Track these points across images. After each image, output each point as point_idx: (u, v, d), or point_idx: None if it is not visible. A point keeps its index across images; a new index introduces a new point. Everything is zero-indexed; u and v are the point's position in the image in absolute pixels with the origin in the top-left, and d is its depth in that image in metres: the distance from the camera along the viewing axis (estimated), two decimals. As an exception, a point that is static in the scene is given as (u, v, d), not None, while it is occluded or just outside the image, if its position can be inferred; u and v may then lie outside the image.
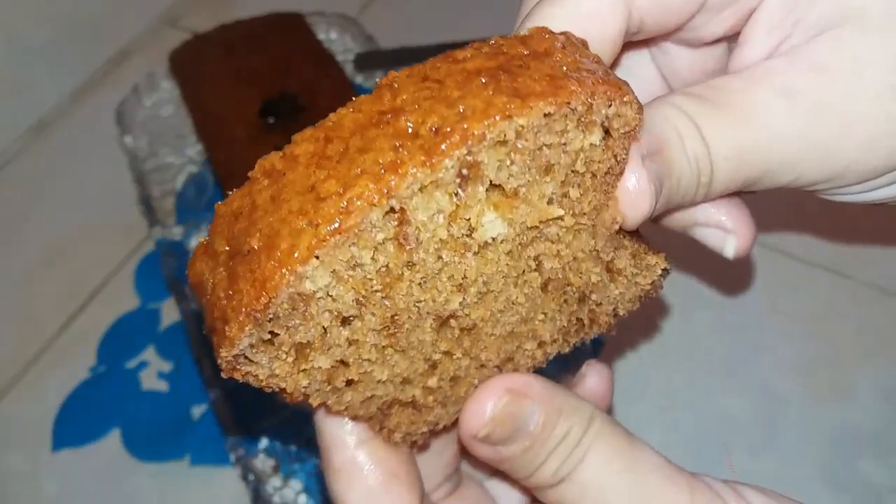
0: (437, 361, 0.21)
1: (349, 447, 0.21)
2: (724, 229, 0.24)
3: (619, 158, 0.20)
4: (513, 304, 0.21)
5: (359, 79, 0.59)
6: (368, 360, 0.20)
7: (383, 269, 0.19)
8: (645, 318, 0.46)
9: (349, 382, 0.20)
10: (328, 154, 0.19)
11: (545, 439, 0.20)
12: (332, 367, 0.20)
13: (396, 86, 0.19)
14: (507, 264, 0.20)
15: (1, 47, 0.58)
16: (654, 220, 0.23)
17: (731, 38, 0.25)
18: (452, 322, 0.21)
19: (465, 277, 0.20)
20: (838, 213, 0.50)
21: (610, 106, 0.19)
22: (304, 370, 0.19)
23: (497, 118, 0.17)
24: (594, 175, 0.20)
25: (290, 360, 0.19)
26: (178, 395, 0.46)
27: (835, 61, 0.20)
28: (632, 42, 0.24)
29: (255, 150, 0.46)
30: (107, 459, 0.44)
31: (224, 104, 0.50)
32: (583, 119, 0.19)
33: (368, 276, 0.19)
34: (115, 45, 0.66)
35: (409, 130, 0.18)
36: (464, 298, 0.20)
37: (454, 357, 0.21)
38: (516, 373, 0.22)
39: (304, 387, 0.20)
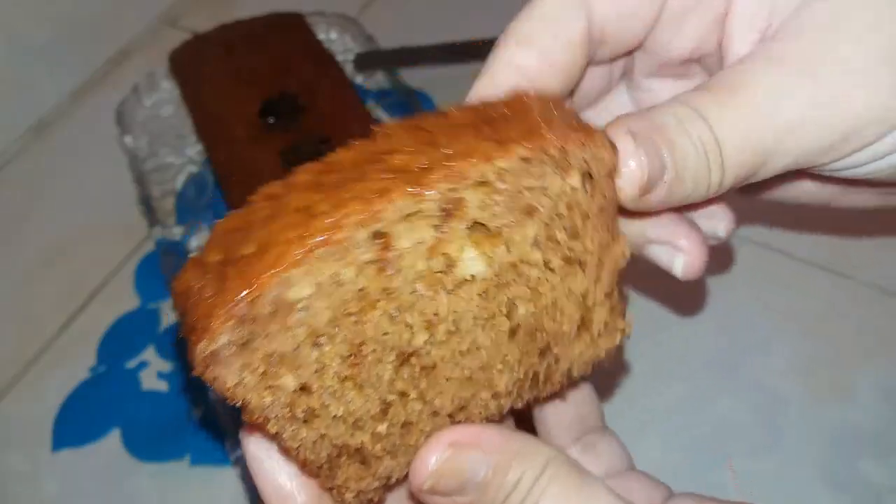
0: (391, 403, 0.21)
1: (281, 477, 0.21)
2: (675, 247, 0.23)
3: (608, 197, 0.21)
4: (477, 348, 0.22)
5: (359, 79, 0.59)
6: (329, 388, 0.20)
7: (361, 293, 0.19)
8: (644, 318, 0.46)
9: (308, 414, 0.20)
10: (324, 182, 0.20)
11: (497, 487, 0.20)
12: (295, 390, 0.20)
13: (390, 133, 0.21)
14: (479, 305, 0.21)
15: (0, 47, 0.58)
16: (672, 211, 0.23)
17: (704, 62, 0.25)
18: (413, 360, 0.21)
19: (435, 314, 0.20)
20: (838, 212, 0.50)
21: (584, 149, 0.20)
22: (270, 387, 0.20)
23: (478, 160, 0.19)
24: (585, 216, 0.21)
25: (259, 371, 0.19)
26: (178, 395, 0.46)
27: (815, 31, 0.20)
28: (609, 79, 0.25)
29: (255, 150, 0.47)
30: (107, 459, 0.44)
31: (224, 104, 0.50)
32: (559, 164, 0.20)
33: (346, 298, 0.19)
34: (115, 45, 0.66)
35: (400, 166, 0.19)
36: (430, 336, 0.21)
37: (408, 398, 0.21)
38: (468, 423, 0.22)
39: (267, 406, 0.20)
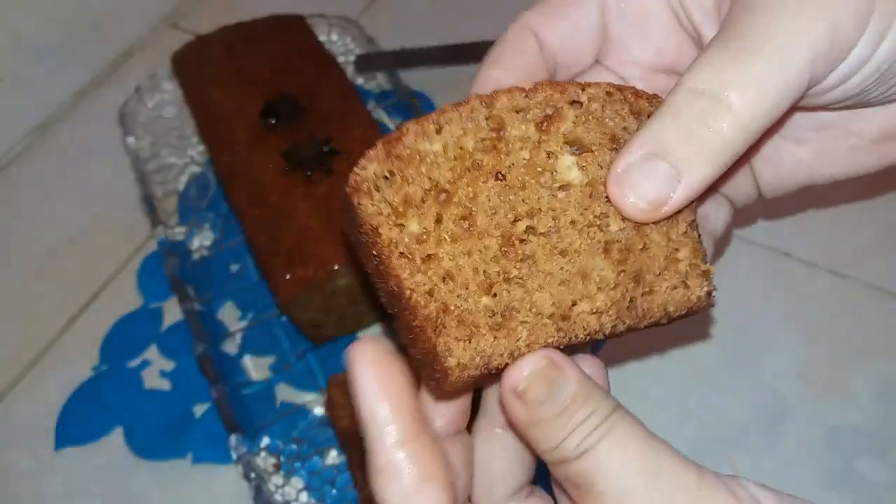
0: (494, 281, 0.23)
1: (389, 448, 0.22)
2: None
3: None
4: (574, 251, 0.23)
5: (359, 80, 0.59)
6: (444, 244, 0.23)
7: (476, 163, 0.23)
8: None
9: (424, 260, 0.23)
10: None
11: (575, 410, 0.22)
12: (417, 235, 0.23)
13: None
14: (576, 211, 0.23)
15: (4, 48, 0.58)
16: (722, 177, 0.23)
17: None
18: (516, 244, 0.23)
19: (538, 207, 0.23)
20: (838, 212, 0.51)
21: (651, 102, 0.24)
22: (399, 224, 0.22)
23: (573, 85, 0.23)
24: None
25: (394, 204, 0.22)
26: (179, 394, 0.46)
27: None
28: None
29: (256, 151, 0.47)
30: (109, 458, 0.44)
31: (226, 105, 0.50)
32: (633, 107, 0.24)
33: (465, 165, 0.23)
34: (118, 47, 0.66)
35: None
36: (532, 225, 0.23)
37: (511, 281, 0.23)
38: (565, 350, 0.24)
39: (394, 239, 0.22)
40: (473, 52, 0.59)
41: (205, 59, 0.54)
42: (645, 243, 0.24)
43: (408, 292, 0.22)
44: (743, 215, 0.50)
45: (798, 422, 0.42)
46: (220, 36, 0.55)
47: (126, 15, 0.66)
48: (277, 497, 0.39)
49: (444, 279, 0.22)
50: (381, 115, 0.58)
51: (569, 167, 0.23)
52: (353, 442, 0.38)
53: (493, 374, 0.23)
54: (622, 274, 0.23)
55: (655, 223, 0.23)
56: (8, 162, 0.60)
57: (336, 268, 0.41)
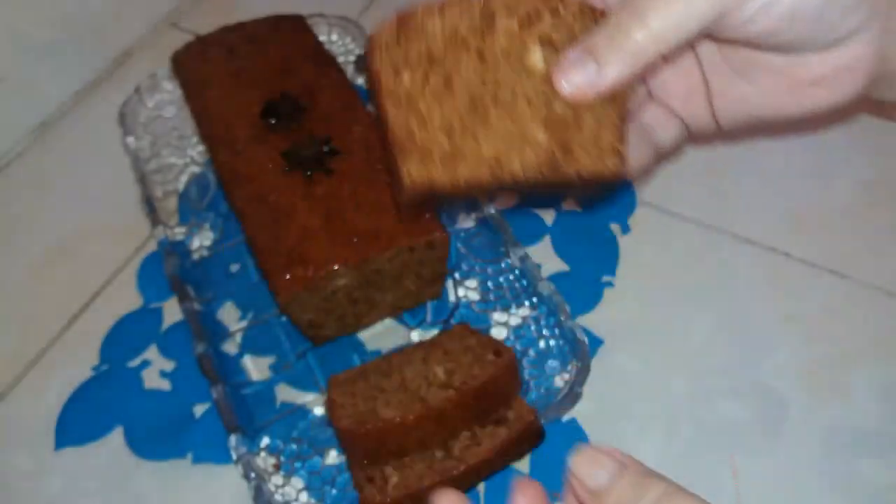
0: (453, 129, 0.29)
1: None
2: None
3: None
4: (521, 117, 0.29)
5: (360, 80, 0.59)
6: (428, 97, 0.29)
7: (464, 43, 0.29)
8: (644, 320, 0.47)
9: (410, 103, 0.29)
10: None
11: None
12: (408, 86, 0.29)
13: None
14: (531, 89, 0.29)
15: (4, 48, 0.58)
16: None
17: None
18: (479, 105, 0.29)
19: (503, 82, 0.29)
20: (838, 212, 0.51)
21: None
22: (399, 77, 0.29)
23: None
24: None
25: (396, 61, 0.29)
26: (179, 394, 0.46)
27: None
28: None
29: (256, 151, 0.47)
30: (109, 458, 0.44)
31: (226, 105, 0.50)
32: (596, 22, 0.29)
33: (455, 42, 0.29)
34: (118, 47, 0.66)
35: None
36: (495, 94, 0.29)
37: (466, 129, 0.29)
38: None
39: (389, 85, 0.29)
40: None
41: (205, 59, 0.54)
42: (578, 123, 0.29)
43: (390, 123, 0.29)
44: (743, 215, 0.51)
45: (798, 422, 0.42)
46: (221, 36, 0.55)
47: (126, 15, 0.66)
48: (277, 497, 0.39)
49: (417, 118, 0.29)
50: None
51: (536, 58, 0.29)
52: (353, 442, 0.38)
53: (437, 195, 0.30)
54: (553, 140, 0.29)
55: (590, 108, 0.29)
56: (8, 162, 0.60)
57: (336, 268, 0.41)
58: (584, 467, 0.26)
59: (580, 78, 0.28)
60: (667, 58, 0.29)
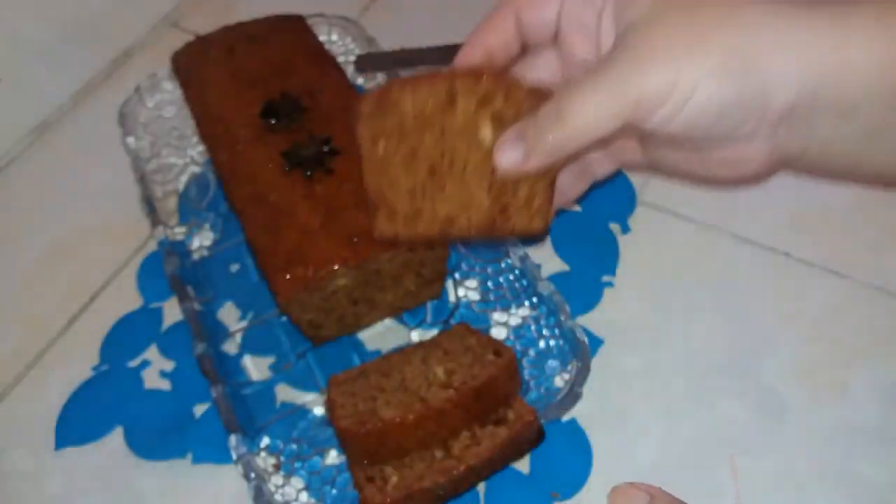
0: (416, 192, 0.34)
1: None
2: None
3: None
4: (470, 184, 0.34)
5: (360, 80, 0.59)
6: (395, 164, 0.34)
7: (428, 119, 0.32)
8: (644, 320, 0.47)
9: (385, 167, 0.34)
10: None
11: None
12: (382, 154, 0.34)
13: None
14: (479, 160, 0.33)
15: (4, 48, 0.58)
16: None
17: None
18: (436, 174, 0.34)
19: (458, 153, 0.33)
20: (838, 212, 0.51)
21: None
22: (375, 144, 0.33)
23: (508, 81, 0.32)
24: None
25: (373, 131, 0.33)
26: (180, 394, 0.46)
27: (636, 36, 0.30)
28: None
29: (256, 151, 0.47)
30: (109, 457, 0.44)
31: (226, 105, 0.50)
32: (541, 103, 0.31)
33: (421, 119, 0.32)
34: (118, 47, 0.66)
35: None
36: (450, 163, 0.33)
37: (426, 193, 0.34)
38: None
39: (368, 152, 0.33)
40: (473, 52, 0.59)
41: (205, 59, 0.54)
42: (515, 190, 0.34)
43: (367, 182, 0.34)
44: (743, 215, 0.51)
45: (798, 422, 0.42)
46: (221, 36, 0.55)
47: (126, 15, 0.66)
48: (277, 497, 0.39)
49: (387, 181, 0.34)
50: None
51: (486, 134, 0.32)
52: (353, 442, 0.38)
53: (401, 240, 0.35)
54: (494, 204, 0.34)
55: (525, 178, 0.33)
56: (8, 162, 0.60)
57: (336, 268, 0.41)
58: (620, 501, 0.29)
59: (511, 158, 0.32)
60: (589, 148, 0.32)
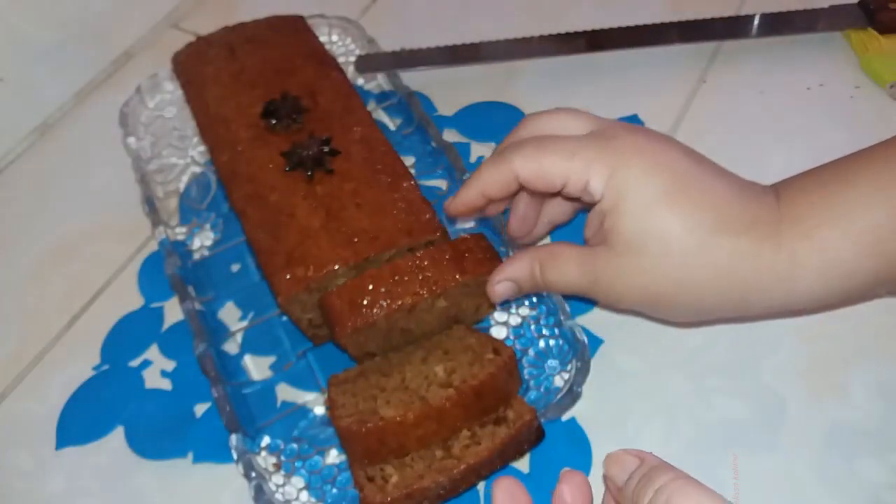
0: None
1: None
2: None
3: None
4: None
5: (360, 80, 0.59)
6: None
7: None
8: (644, 320, 0.47)
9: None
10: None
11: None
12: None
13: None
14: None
15: (4, 49, 0.58)
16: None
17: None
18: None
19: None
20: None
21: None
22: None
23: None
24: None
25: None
26: (180, 394, 0.46)
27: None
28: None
29: (257, 151, 0.47)
30: (110, 457, 0.44)
31: (226, 105, 0.50)
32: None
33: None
34: (119, 47, 0.67)
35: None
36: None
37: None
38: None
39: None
40: (473, 53, 0.59)
41: (205, 59, 0.54)
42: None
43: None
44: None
45: (797, 421, 0.42)
46: (221, 36, 0.55)
47: (126, 15, 0.66)
48: (278, 496, 0.39)
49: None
50: (381, 115, 0.58)
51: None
52: (354, 441, 0.38)
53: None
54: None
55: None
56: (8, 162, 0.61)
57: (336, 268, 0.41)
58: (613, 468, 0.30)
59: (502, 291, 0.41)
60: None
